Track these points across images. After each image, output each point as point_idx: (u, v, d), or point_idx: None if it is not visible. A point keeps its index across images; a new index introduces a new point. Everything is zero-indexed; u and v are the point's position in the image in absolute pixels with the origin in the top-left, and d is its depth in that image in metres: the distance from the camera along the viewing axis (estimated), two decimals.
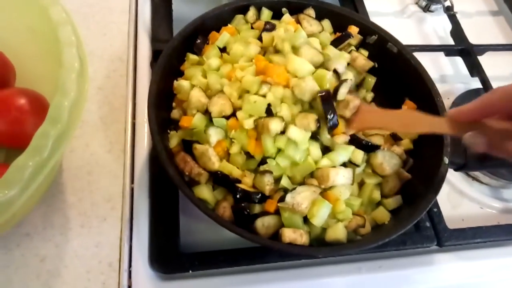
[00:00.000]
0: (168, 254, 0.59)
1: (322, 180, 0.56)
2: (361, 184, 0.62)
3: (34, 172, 0.42)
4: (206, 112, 0.59)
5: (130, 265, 0.58)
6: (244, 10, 0.72)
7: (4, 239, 0.58)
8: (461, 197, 0.75)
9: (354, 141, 0.60)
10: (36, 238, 0.58)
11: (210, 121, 0.59)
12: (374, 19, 0.88)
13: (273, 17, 0.73)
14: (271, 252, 0.60)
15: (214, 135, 0.57)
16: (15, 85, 0.63)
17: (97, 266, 0.58)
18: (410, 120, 0.59)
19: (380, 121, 0.61)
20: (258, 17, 0.72)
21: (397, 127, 0.61)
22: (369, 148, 0.61)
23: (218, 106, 0.58)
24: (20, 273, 0.56)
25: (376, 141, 0.64)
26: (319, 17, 0.73)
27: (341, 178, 0.56)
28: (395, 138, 0.67)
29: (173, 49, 0.64)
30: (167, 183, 0.63)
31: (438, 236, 0.66)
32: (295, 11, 0.73)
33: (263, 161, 0.57)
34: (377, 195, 0.61)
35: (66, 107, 0.46)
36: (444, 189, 0.74)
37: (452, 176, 0.76)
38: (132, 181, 0.65)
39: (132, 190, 0.64)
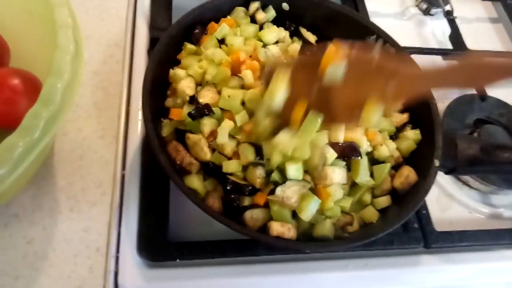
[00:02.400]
0: (156, 242, 0.59)
1: (320, 178, 0.56)
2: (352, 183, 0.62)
3: (24, 152, 0.42)
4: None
5: (117, 251, 0.58)
6: (244, 2, 0.71)
7: None
8: (450, 201, 0.76)
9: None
10: (24, 220, 0.58)
11: None
12: (374, 19, 0.88)
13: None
14: (260, 245, 0.60)
15: (208, 125, 0.57)
16: (9, 65, 0.62)
17: (84, 251, 0.58)
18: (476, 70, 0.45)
19: (437, 81, 0.48)
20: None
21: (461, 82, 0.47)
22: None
23: (206, 98, 0.58)
24: (7, 254, 0.56)
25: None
26: (317, 17, 0.73)
27: (337, 176, 0.56)
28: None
29: (171, 37, 0.64)
30: (159, 171, 0.63)
31: (426, 237, 0.66)
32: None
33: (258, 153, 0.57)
34: (368, 198, 0.61)
35: (59, 89, 0.46)
36: (434, 192, 0.75)
37: (443, 180, 0.76)
38: (123, 168, 0.64)
39: (123, 176, 0.64)
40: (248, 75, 0.60)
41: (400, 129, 0.67)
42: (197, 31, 0.67)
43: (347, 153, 0.57)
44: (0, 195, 0.42)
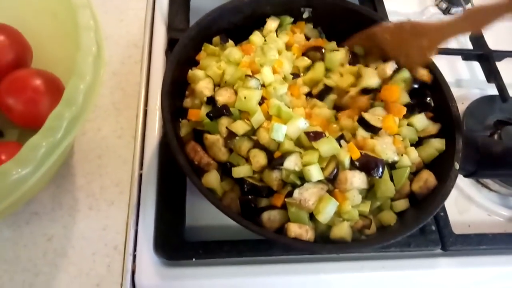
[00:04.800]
0: (173, 241, 0.59)
1: (340, 182, 0.55)
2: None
3: (47, 152, 0.43)
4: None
5: (135, 250, 0.59)
6: (264, 4, 0.71)
7: (14, 216, 0.59)
8: (469, 203, 0.75)
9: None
10: (44, 217, 0.59)
11: None
12: (392, 19, 0.87)
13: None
14: (275, 246, 0.60)
15: (226, 125, 0.57)
16: (31, 66, 0.63)
17: (103, 249, 0.59)
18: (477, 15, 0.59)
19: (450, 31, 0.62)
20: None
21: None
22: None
23: (223, 97, 0.58)
24: (28, 250, 0.57)
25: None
26: (335, 18, 0.72)
27: (357, 181, 0.55)
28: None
29: (190, 38, 0.64)
30: (176, 171, 0.64)
31: (443, 240, 0.65)
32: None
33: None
34: (387, 203, 0.60)
35: (81, 90, 0.47)
36: (452, 194, 0.72)
37: (461, 181, 0.75)
38: (141, 167, 0.65)
39: (140, 176, 0.65)
40: (266, 73, 0.60)
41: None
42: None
43: (368, 166, 0.56)
44: (23, 194, 0.43)
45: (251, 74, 0.61)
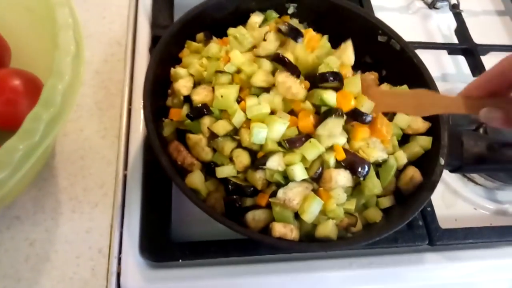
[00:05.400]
0: (158, 242, 0.59)
1: (324, 181, 0.55)
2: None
3: (24, 156, 0.42)
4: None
5: (120, 252, 0.58)
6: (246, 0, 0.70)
7: None
8: (455, 197, 0.75)
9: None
10: (26, 221, 0.58)
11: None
12: (378, 14, 0.87)
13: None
14: (263, 245, 0.60)
15: (208, 125, 0.56)
16: (10, 66, 0.62)
17: (87, 252, 0.58)
18: (425, 101, 0.56)
19: (393, 104, 0.60)
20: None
21: (412, 108, 0.58)
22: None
23: (200, 96, 0.57)
24: (9, 255, 0.56)
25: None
26: (320, 11, 0.71)
27: (342, 179, 0.55)
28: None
29: (172, 35, 0.63)
30: (161, 171, 0.62)
31: (430, 235, 0.65)
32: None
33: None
34: (373, 200, 0.60)
35: (59, 91, 0.45)
36: (439, 189, 0.74)
37: (448, 176, 0.75)
38: (125, 168, 0.64)
39: (125, 177, 0.63)
40: (234, 56, 0.59)
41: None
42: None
43: (354, 165, 0.55)
44: (1, 199, 0.41)
45: (222, 70, 0.59)
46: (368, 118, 0.57)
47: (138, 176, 0.63)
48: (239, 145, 0.56)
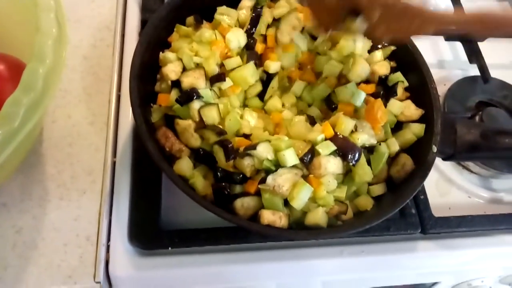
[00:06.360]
0: (148, 230, 0.58)
1: (314, 167, 0.54)
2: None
3: (3, 142, 0.41)
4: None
5: (108, 240, 0.57)
6: None
7: None
8: (449, 185, 0.74)
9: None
10: (13, 209, 0.57)
11: None
12: None
13: None
14: (252, 233, 0.59)
15: (197, 109, 0.55)
16: None
17: (74, 240, 0.57)
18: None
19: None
20: None
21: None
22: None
23: (190, 79, 0.56)
24: None
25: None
26: None
27: (332, 166, 0.54)
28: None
29: (160, 19, 0.62)
30: (150, 158, 0.62)
31: (423, 223, 0.65)
32: None
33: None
34: (364, 188, 0.59)
35: (40, 75, 0.44)
36: (433, 177, 0.73)
37: (442, 164, 0.74)
38: (114, 155, 0.63)
39: (114, 164, 0.63)
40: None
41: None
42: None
43: (345, 151, 0.54)
44: None
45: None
46: None
47: (127, 163, 0.62)
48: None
